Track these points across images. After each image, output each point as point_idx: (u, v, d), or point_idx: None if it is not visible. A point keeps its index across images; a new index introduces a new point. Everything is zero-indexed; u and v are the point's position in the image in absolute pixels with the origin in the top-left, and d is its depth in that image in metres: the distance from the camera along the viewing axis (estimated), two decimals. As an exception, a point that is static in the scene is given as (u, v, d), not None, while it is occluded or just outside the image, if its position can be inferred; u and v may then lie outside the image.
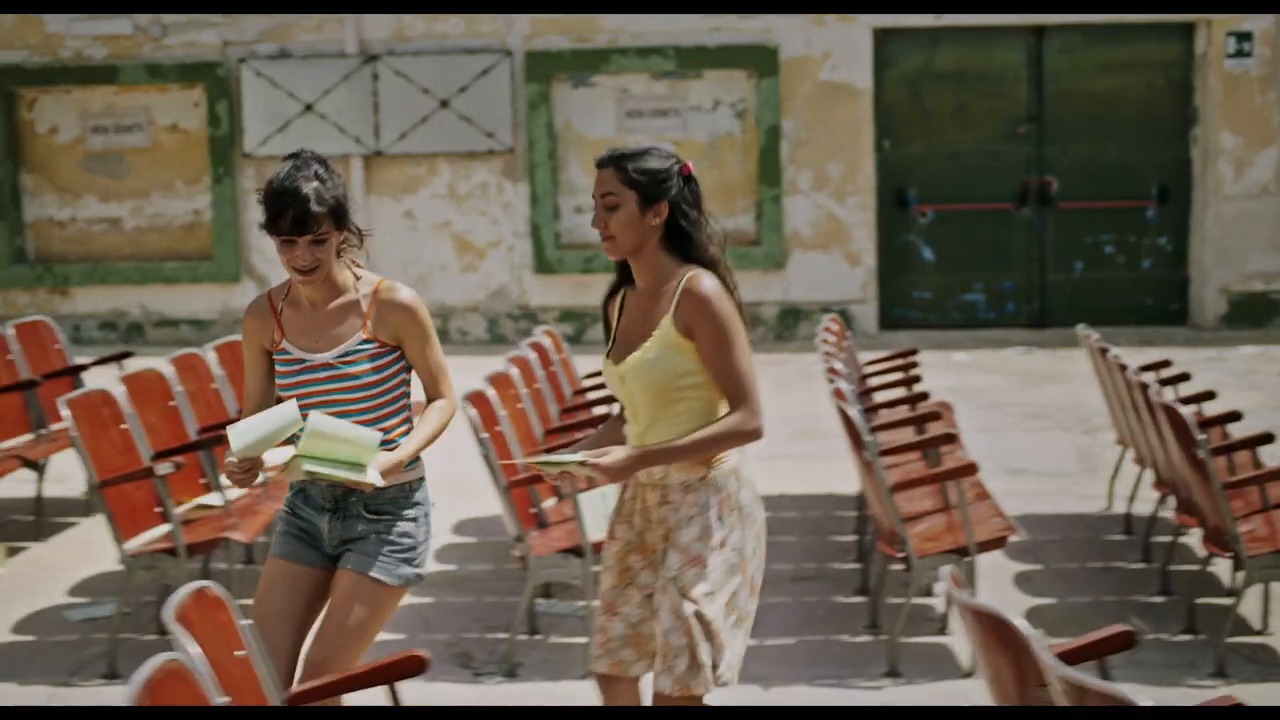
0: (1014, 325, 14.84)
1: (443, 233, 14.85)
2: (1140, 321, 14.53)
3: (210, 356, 7.66)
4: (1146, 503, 7.97)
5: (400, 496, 4.38)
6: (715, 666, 4.11)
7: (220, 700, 3.04)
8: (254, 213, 14.66)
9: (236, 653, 3.44)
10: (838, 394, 6.24)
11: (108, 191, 15.08)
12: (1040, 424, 10.84)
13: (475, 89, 14.51)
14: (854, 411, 5.92)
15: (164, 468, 5.90)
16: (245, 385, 4.50)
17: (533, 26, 14.54)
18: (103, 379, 9.46)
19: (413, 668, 3.63)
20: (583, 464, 4.06)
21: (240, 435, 4.14)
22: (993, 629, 3.36)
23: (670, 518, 4.20)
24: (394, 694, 3.66)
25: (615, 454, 4.10)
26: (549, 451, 5.05)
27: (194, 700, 2.94)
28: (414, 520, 4.40)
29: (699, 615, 4.09)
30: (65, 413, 6.04)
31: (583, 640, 6.34)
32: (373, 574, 4.27)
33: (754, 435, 4.17)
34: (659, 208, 4.20)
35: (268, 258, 14.83)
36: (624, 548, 4.31)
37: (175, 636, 3.15)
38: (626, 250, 4.23)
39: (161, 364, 7.32)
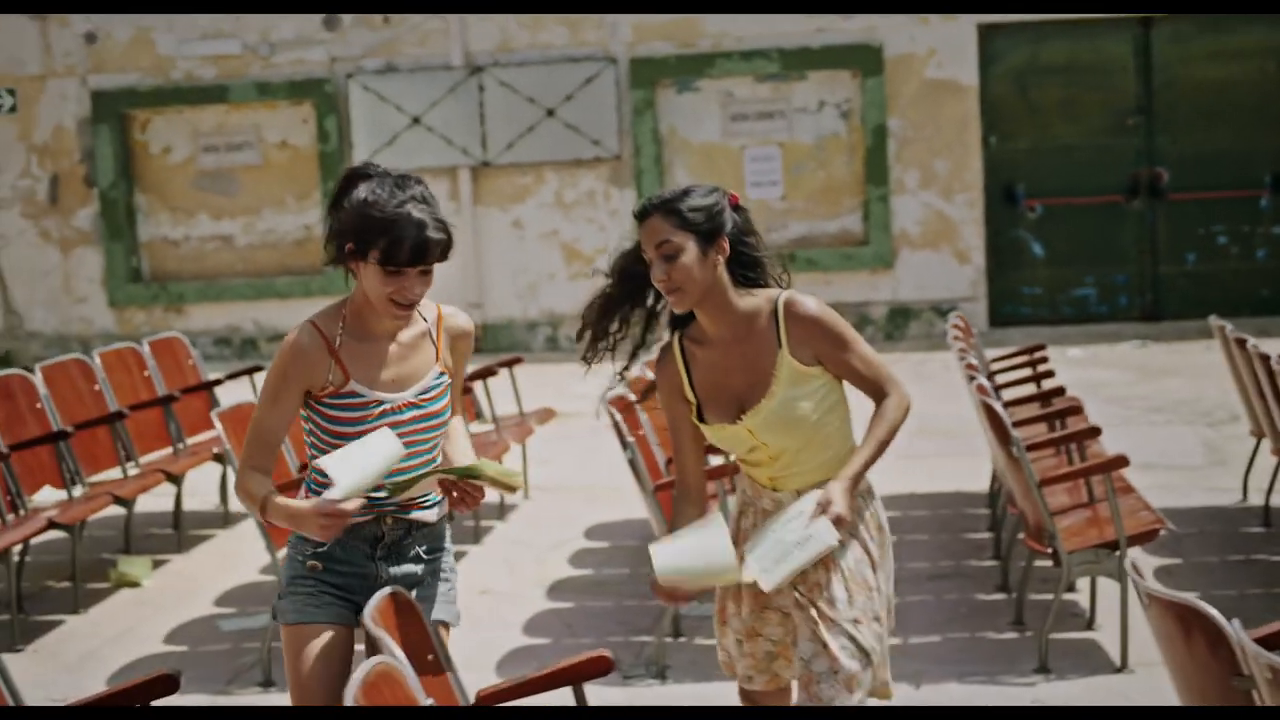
0: (1126, 319, 14.71)
1: (550, 241, 14.93)
2: (1255, 312, 14.35)
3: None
4: (1284, 494, 7.90)
5: (445, 531, 4.08)
6: (876, 682, 4.05)
7: (426, 701, 3.09)
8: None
9: (429, 656, 3.50)
10: (980, 390, 6.23)
11: (220, 209, 15.30)
12: (1164, 418, 10.75)
13: (580, 97, 14.60)
14: (999, 406, 5.91)
15: (316, 478, 5.97)
16: (262, 426, 3.89)
17: (636, 34, 14.61)
18: (235, 393, 9.62)
19: (600, 668, 3.68)
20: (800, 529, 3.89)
21: (352, 469, 3.72)
22: (1184, 618, 3.35)
23: None
24: (579, 694, 3.70)
25: (835, 497, 3.89)
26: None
27: (404, 701, 3.00)
28: (452, 554, 4.09)
29: (854, 639, 3.99)
30: (216, 425, 6.15)
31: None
32: (448, 619, 3.96)
33: (910, 403, 4.09)
34: (720, 244, 3.96)
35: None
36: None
37: (382, 639, 3.22)
38: (696, 298, 3.95)
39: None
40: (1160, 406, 11.13)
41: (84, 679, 6.30)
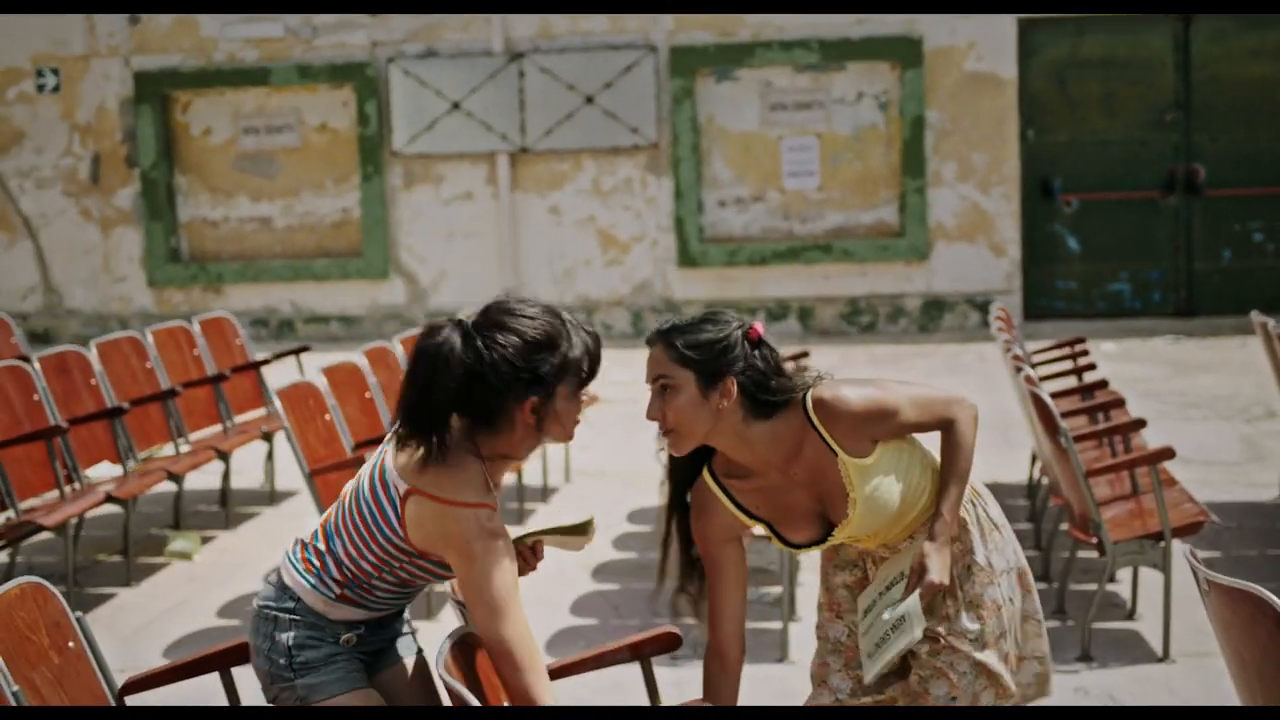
0: (1160, 315, 14.75)
1: (587, 227, 15.02)
2: (1290, 309, 14.37)
3: (397, 349, 7.88)
4: (1323, 489, 7.96)
5: None
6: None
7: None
8: (402, 210, 15.02)
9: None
10: (1029, 380, 6.30)
11: (259, 191, 15.41)
12: (1200, 413, 10.79)
13: (620, 85, 14.67)
14: (1047, 397, 5.98)
15: (373, 456, 6.08)
16: (529, 631, 3.48)
17: (676, 22, 14.67)
18: (281, 374, 9.73)
19: (669, 643, 3.76)
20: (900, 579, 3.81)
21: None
22: (1243, 605, 3.42)
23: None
24: (647, 669, 3.79)
25: (931, 563, 3.72)
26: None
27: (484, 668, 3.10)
28: None
29: (979, 664, 3.83)
30: (276, 403, 6.25)
31: (774, 625, 6.45)
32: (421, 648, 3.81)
33: (975, 411, 3.83)
34: (725, 386, 3.60)
35: (416, 255, 15.09)
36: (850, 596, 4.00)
37: (458, 609, 3.32)
38: (695, 441, 3.63)
39: (355, 356, 7.53)
40: (1196, 402, 11.17)
41: (140, 649, 6.41)
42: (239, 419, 8.87)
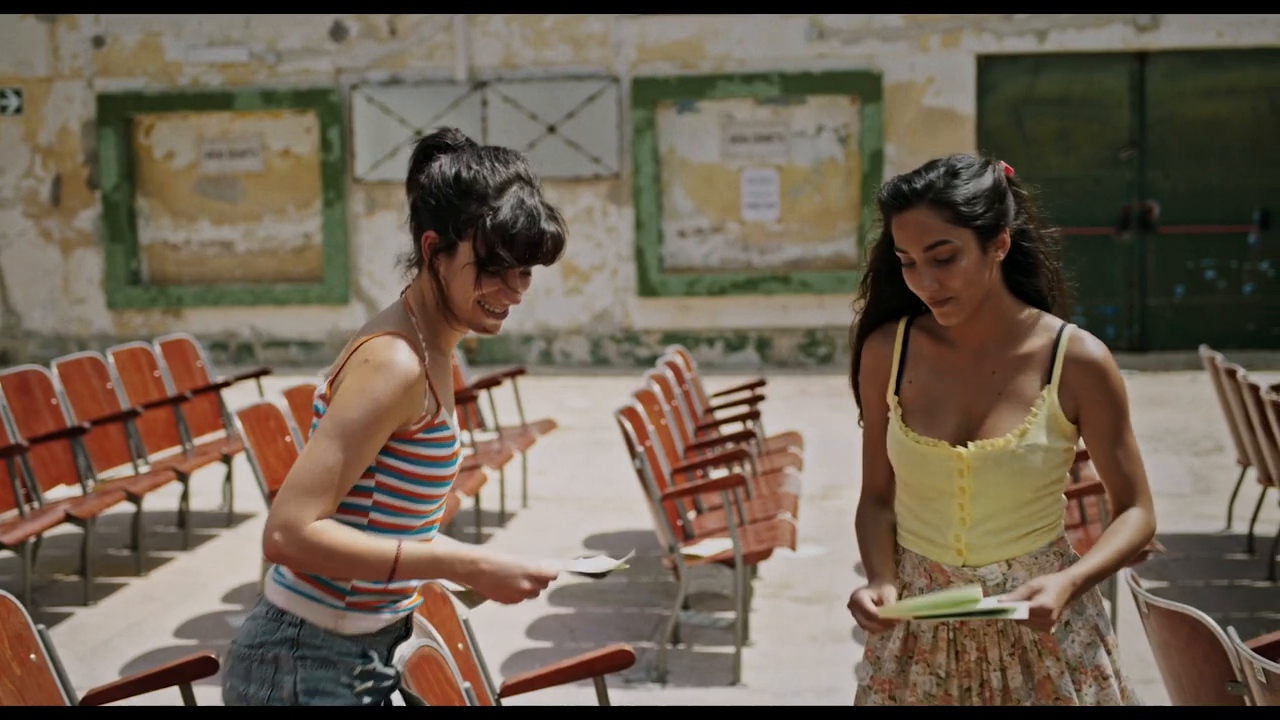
0: (1115, 350, 14.82)
1: (548, 256, 15.07)
2: (1241, 346, 14.56)
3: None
4: (1269, 524, 8.10)
5: None
6: None
7: (463, 685, 3.25)
8: (363, 236, 15.09)
9: (459, 645, 3.66)
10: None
11: (221, 215, 15.45)
12: (1151, 446, 10.94)
13: (582, 115, 14.78)
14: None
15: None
16: (344, 471, 2.88)
17: (639, 53, 14.80)
18: (241, 397, 9.77)
19: (621, 661, 3.83)
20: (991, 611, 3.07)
21: None
22: (1181, 627, 3.52)
23: (1023, 635, 3.25)
24: (601, 687, 3.86)
25: (1051, 589, 3.08)
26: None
27: (445, 683, 3.16)
28: None
29: None
30: (236, 424, 6.30)
31: (726, 650, 6.53)
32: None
33: (1154, 533, 3.31)
34: (1003, 238, 3.21)
35: (376, 280, 15.15)
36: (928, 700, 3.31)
37: (422, 625, 3.38)
38: (973, 307, 3.21)
39: (316, 380, 7.59)
40: (1147, 436, 11.31)
41: (98, 668, 6.44)
42: (198, 441, 8.91)
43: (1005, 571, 3.25)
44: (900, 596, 3.28)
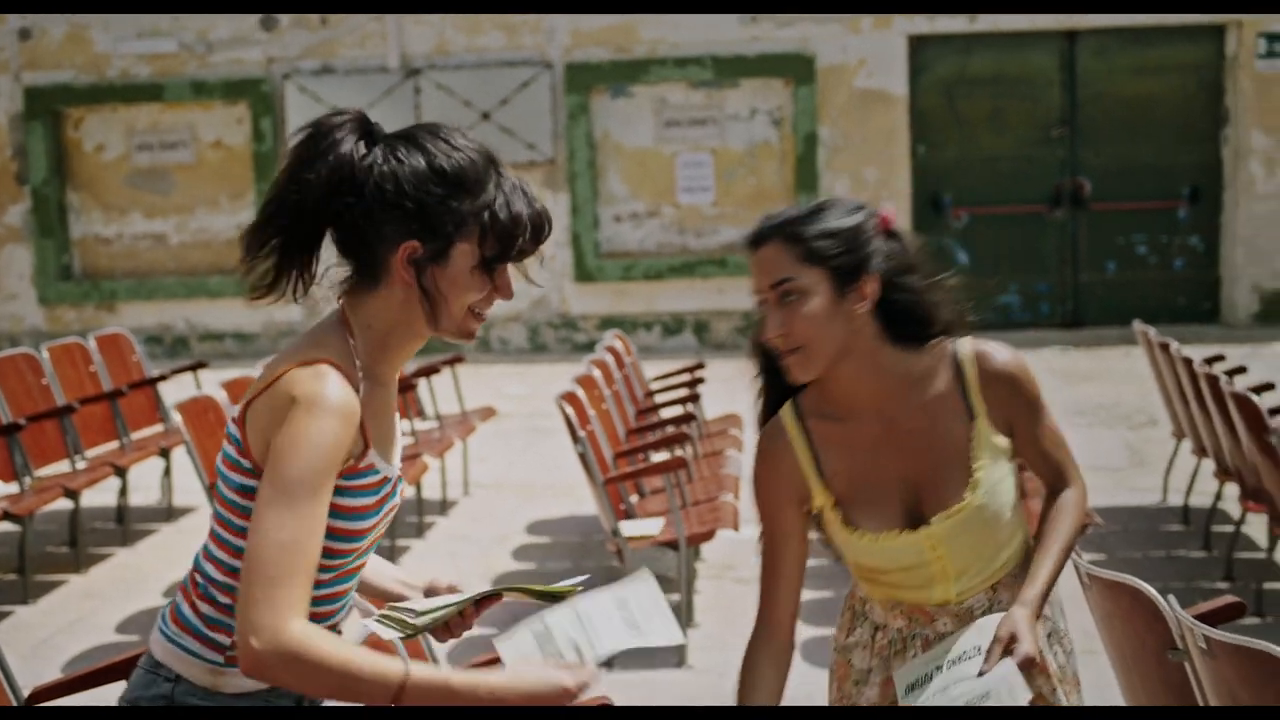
0: (1048, 326, 15.06)
1: (484, 243, 15.06)
2: (1173, 320, 14.73)
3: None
4: (1203, 495, 8.20)
5: None
6: None
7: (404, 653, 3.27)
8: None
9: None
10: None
11: (153, 208, 15.32)
12: (1085, 420, 11.04)
13: (516, 101, 14.75)
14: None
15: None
16: (308, 541, 2.42)
17: (572, 39, 14.78)
18: (178, 390, 9.70)
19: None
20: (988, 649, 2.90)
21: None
22: (1122, 597, 3.57)
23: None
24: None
25: (1021, 630, 2.86)
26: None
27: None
28: None
29: None
30: (176, 417, 6.26)
31: (672, 631, 6.55)
32: None
33: (1087, 503, 3.18)
34: (864, 285, 2.89)
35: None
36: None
37: (361, 604, 3.40)
38: (825, 361, 2.89)
39: (255, 371, 7.54)
40: (1082, 411, 11.42)
41: (40, 667, 6.38)
42: (136, 436, 8.85)
43: (990, 596, 3.08)
44: (874, 638, 3.12)
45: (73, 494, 7.59)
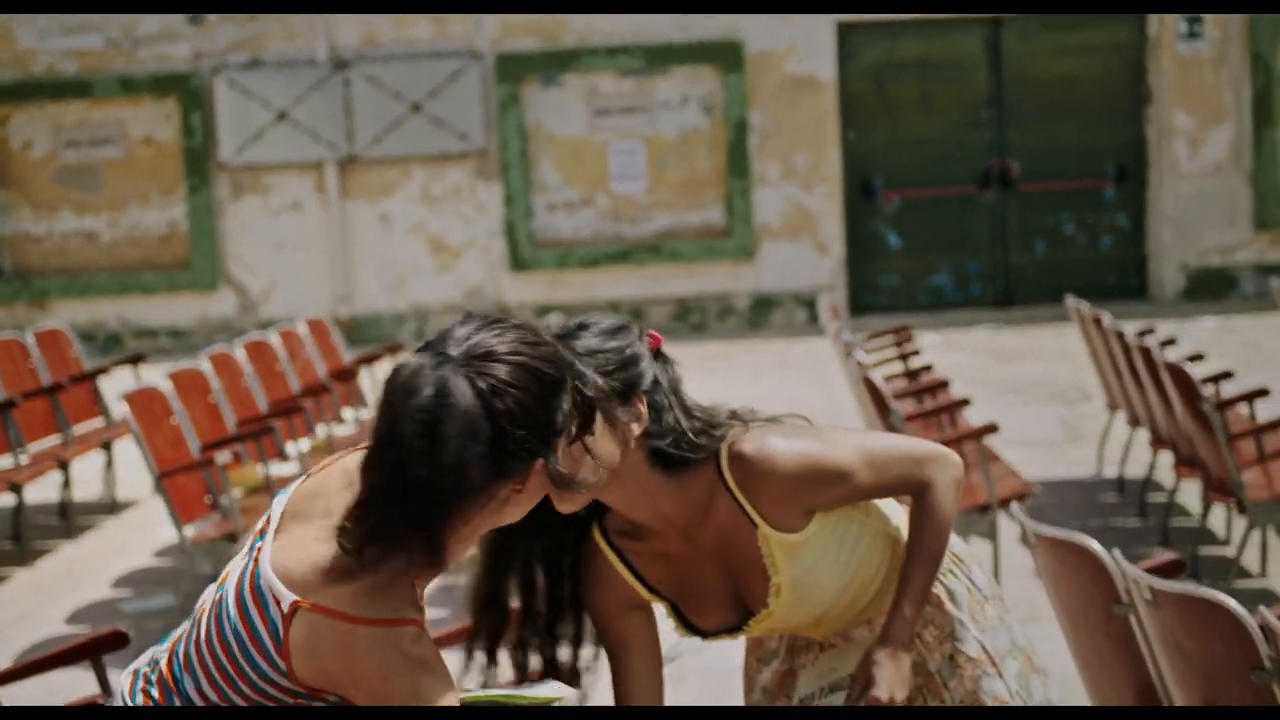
0: (980, 306, 15.23)
1: (418, 234, 15.09)
2: (1102, 298, 14.90)
3: (239, 353, 7.93)
4: (1138, 465, 8.36)
5: None
6: None
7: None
8: (230, 221, 14.97)
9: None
10: (860, 365, 6.55)
11: (83, 205, 15.23)
12: (1020, 398, 11.20)
13: (446, 92, 14.76)
14: (879, 379, 6.23)
15: (223, 457, 6.15)
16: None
17: (502, 29, 14.81)
18: (117, 384, 9.67)
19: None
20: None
21: None
22: (1069, 555, 3.67)
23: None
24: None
25: (880, 674, 2.87)
26: None
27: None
28: None
29: None
30: (123, 407, 6.28)
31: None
32: None
33: (959, 474, 2.94)
34: (634, 407, 2.74)
35: (246, 265, 15.04)
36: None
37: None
38: (593, 490, 2.68)
39: (199, 362, 7.56)
40: (1016, 388, 11.59)
41: (-10, 659, 6.39)
42: (77, 429, 8.82)
43: (871, 629, 3.03)
44: (755, 660, 3.19)
45: (16, 488, 7.57)
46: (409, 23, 14.83)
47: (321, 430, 8.23)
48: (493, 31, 14.83)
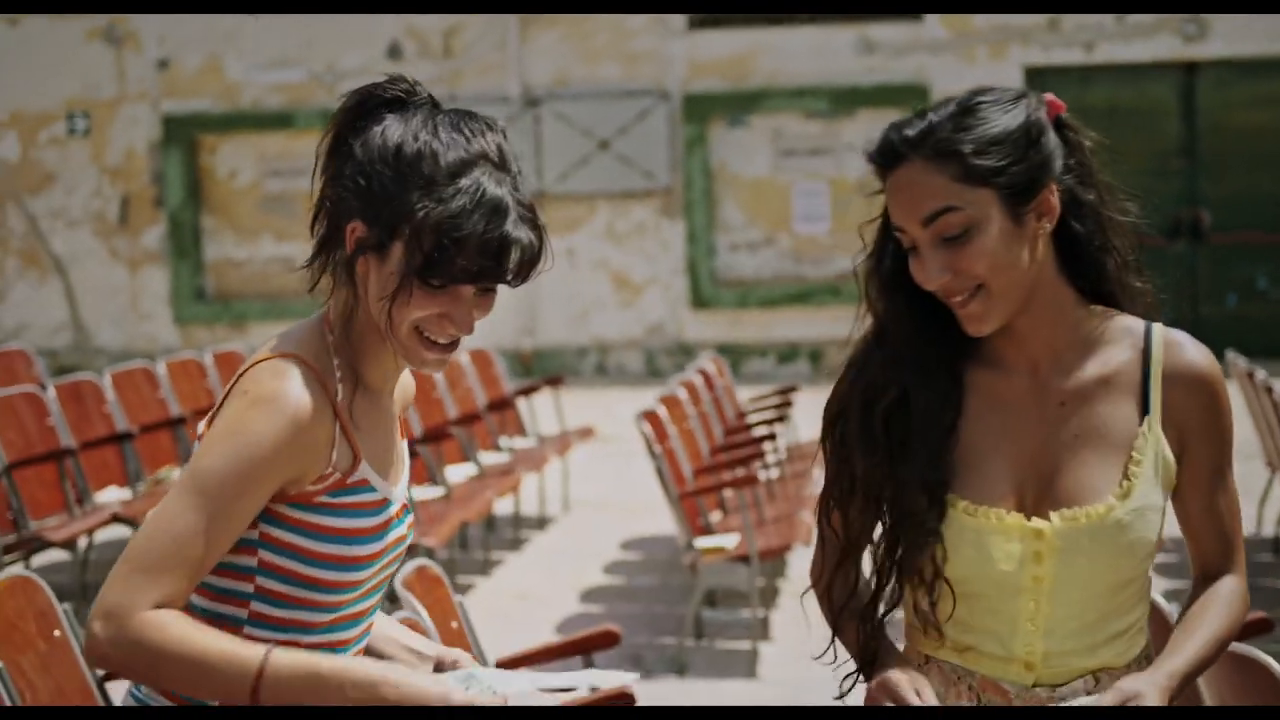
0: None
1: (602, 270, 15.33)
2: (1294, 354, 14.56)
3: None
4: (1297, 524, 8.17)
5: None
6: None
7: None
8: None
9: (453, 624, 3.86)
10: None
11: (283, 232, 15.79)
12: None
13: (634, 131, 15.01)
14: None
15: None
16: (205, 536, 2.08)
17: (690, 70, 15.01)
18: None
19: (607, 641, 4.02)
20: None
21: None
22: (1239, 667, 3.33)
23: None
24: (588, 665, 4.05)
25: (1151, 698, 2.13)
26: None
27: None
28: None
29: None
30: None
31: (745, 645, 6.70)
32: None
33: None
34: (1045, 202, 2.21)
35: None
36: None
37: (405, 598, 3.59)
38: (1015, 304, 2.21)
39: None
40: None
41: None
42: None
43: (1093, 688, 2.27)
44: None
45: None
46: (599, 62, 15.11)
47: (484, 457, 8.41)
48: (681, 72, 15.04)
